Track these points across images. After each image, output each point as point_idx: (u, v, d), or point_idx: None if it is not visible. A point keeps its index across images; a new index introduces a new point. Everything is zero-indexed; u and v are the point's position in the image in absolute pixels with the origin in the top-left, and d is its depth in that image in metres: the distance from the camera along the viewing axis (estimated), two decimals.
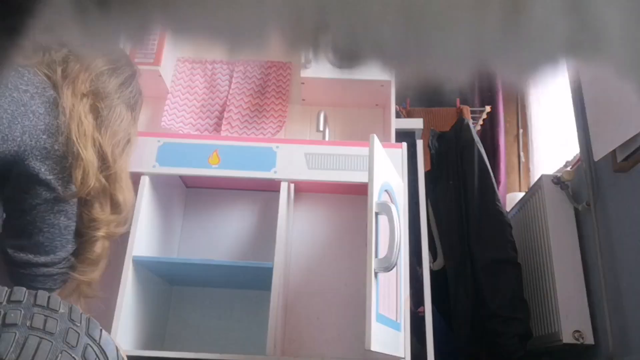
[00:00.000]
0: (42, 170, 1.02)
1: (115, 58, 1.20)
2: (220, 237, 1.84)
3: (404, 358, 1.36)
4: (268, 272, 1.50)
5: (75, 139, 1.04)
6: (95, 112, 1.11)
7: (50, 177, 1.02)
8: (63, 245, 1.11)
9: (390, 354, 1.24)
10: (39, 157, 1.00)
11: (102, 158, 1.12)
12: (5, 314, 0.76)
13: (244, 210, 1.88)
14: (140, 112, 1.28)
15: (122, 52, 1.22)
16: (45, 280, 1.11)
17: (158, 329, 1.70)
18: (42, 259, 1.09)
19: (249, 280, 1.68)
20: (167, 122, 1.95)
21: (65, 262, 1.13)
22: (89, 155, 1.08)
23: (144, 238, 1.58)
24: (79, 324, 0.82)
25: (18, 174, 1.01)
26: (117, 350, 0.87)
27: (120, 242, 1.56)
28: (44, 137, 1.01)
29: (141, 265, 1.56)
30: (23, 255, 1.08)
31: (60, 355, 0.76)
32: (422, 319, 1.56)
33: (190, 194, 1.91)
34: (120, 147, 1.19)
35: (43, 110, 1.01)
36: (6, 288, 0.80)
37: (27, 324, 0.77)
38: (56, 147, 1.02)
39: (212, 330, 1.74)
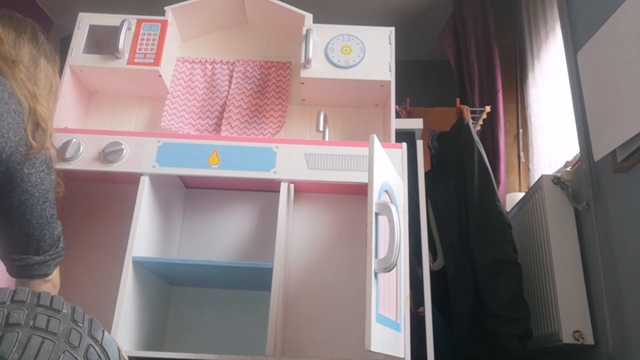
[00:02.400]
0: (26, 165, 1.06)
1: (9, 19, 1.20)
2: (220, 238, 1.84)
3: (404, 358, 1.36)
4: (268, 272, 1.50)
5: (30, 106, 1.08)
6: (28, 74, 1.14)
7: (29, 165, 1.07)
8: (51, 232, 1.15)
9: (390, 354, 1.24)
10: (22, 153, 1.04)
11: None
12: (8, 314, 0.76)
13: (244, 211, 1.88)
14: (57, 63, 1.28)
15: (6, 14, 1.23)
16: (40, 268, 1.16)
17: (158, 330, 1.70)
18: (32, 249, 1.13)
19: (249, 280, 1.68)
20: (167, 122, 1.95)
21: (55, 247, 1.18)
22: (45, 112, 1.12)
23: (144, 239, 1.58)
24: (81, 325, 0.82)
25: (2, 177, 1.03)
26: (119, 351, 0.87)
27: (120, 243, 1.57)
28: (23, 131, 1.04)
29: (141, 266, 1.56)
30: (14, 248, 1.13)
31: (62, 355, 0.76)
32: (422, 319, 1.57)
33: (190, 194, 1.91)
34: (51, 101, 1.22)
35: (13, 105, 1.03)
36: (9, 288, 0.81)
37: (30, 324, 0.77)
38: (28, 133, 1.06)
39: (212, 331, 1.74)
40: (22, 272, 1.15)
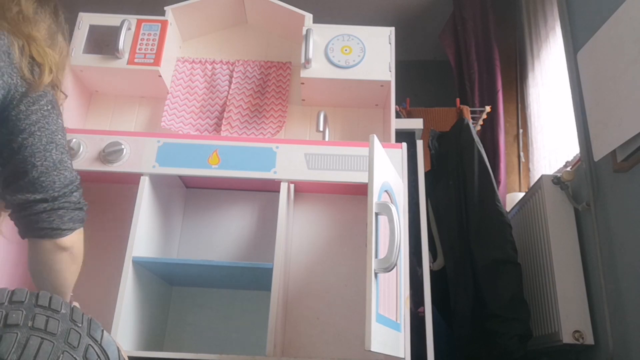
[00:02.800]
0: (24, 103, 0.98)
1: None
2: (220, 238, 1.84)
3: (404, 358, 1.36)
4: (268, 272, 1.50)
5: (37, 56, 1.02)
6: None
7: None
8: (61, 179, 1.03)
9: (390, 354, 1.24)
10: (20, 92, 0.97)
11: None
12: (7, 315, 0.76)
13: (244, 211, 1.88)
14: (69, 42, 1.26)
15: None
16: (49, 218, 1.02)
17: (158, 329, 1.70)
18: (40, 195, 1.01)
19: (249, 280, 1.68)
20: (167, 122, 1.95)
21: (68, 193, 1.05)
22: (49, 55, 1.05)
23: (144, 239, 1.58)
24: (80, 325, 0.82)
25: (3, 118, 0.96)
26: (119, 350, 0.87)
27: (120, 243, 1.56)
28: (17, 74, 0.97)
29: (141, 266, 1.56)
30: (20, 196, 1.01)
31: (61, 355, 0.76)
32: (422, 319, 1.56)
33: (190, 194, 1.91)
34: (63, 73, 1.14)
35: (4, 47, 0.97)
36: (8, 289, 0.80)
37: (29, 325, 0.77)
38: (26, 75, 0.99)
39: (212, 331, 1.74)
40: (32, 226, 1.02)
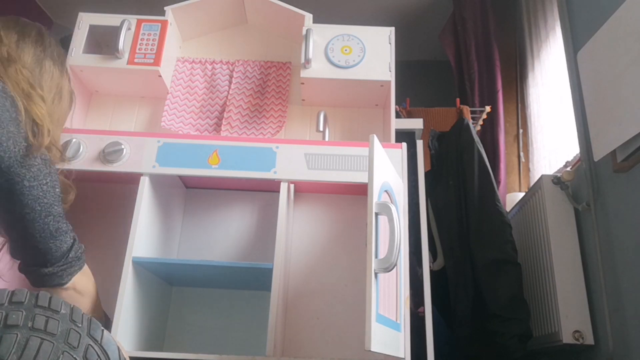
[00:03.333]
0: (27, 178, 1.04)
1: (14, 23, 1.20)
2: (220, 238, 1.84)
3: (404, 358, 1.36)
4: (268, 272, 1.50)
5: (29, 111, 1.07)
6: (28, 75, 1.13)
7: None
8: (58, 246, 1.13)
9: (390, 354, 1.24)
10: (20, 161, 1.02)
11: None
12: (7, 315, 0.76)
13: (244, 211, 1.88)
14: (66, 64, 1.28)
15: (12, 18, 1.23)
16: (51, 278, 1.13)
17: (158, 330, 1.70)
18: (40, 260, 1.11)
19: (249, 280, 1.68)
20: (167, 122, 1.95)
21: (64, 259, 1.15)
22: (43, 115, 1.10)
23: (144, 239, 1.58)
24: (80, 325, 0.82)
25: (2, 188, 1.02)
26: (119, 350, 0.87)
27: (120, 243, 1.56)
28: (22, 140, 1.02)
29: (141, 266, 1.56)
30: (22, 260, 1.12)
31: (61, 356, 0.76)
32: (422, 319, 1.56)
33: (190, 194, 1.91)
34: (56, 102, 1.22)
35: (14, 112, 1.02)
36: (8, 290, 0.80)
37: (29, 325, 0.77)
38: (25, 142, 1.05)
39: (212, 331, 1.74)
40: (37, 281, 1.14)
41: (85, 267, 1.22)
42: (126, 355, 0.93)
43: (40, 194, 1.07)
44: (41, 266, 1.11)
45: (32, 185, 1.05)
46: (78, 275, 1.19)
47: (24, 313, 0.78)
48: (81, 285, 1.21)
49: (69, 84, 1.32)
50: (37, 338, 0.75)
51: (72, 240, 1.17)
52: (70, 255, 1.16)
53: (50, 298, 0.82)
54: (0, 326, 0.75)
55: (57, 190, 1.13)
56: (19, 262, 1.14)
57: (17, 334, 0.75)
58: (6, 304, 0.78)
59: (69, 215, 1.83)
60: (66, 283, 1.16)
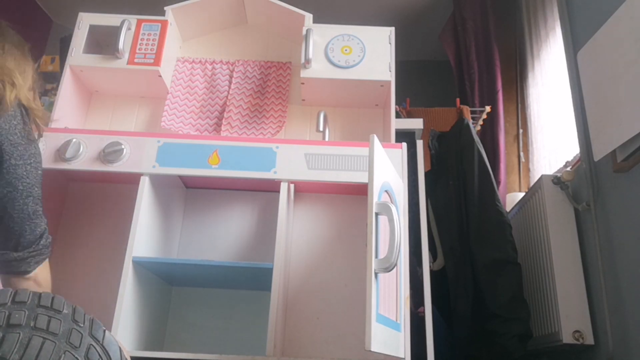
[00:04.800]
0: (14, 156, 1.07)
1: None
2: (220, 238, 1.84)
3: (404, 358, 1.36)
4: (268, 272, 1.50)
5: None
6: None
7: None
8: (32, 229, 1.15)
9: (391, 354, 1.24)
10: (9, 139, 1.06)
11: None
12: (9, 315, 0.77)
13: (244, 211, 1.88)
14: (26, 49, 1.28)
15: None
16: (18, 264, 1.15)
17: (158, 329, 1.70)
18: (10, 243, 1.13)
19: (249, 280, 1.68)
20: (167, 122, 1.95)
21: (36, 245, 1.17)
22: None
23: (144, 239, 1.58)
24: (82, 325, 0.82)
25: None
26: (121, 350, 0.87)
27: (120, 243, 1.56)
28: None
29: (141, 266, 1.56)
30: None
31: (63, 355, 0.76)
32: (422, 319, 1.57)
33: (190, 194, 1.91)
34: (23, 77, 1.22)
35: None
36: (10, 289, 0.81)
37: (31, 325, 0.77)
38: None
39: (212, 331, 1.74)
40: (2, 268, 1.15)
41: (47, 262, 1.24)
42: (128, 356, 0.93)
43: (24, 173, 1.10)
44: (12, 250, 1.13)
45: (18, 164, 1.08)
46: (40, 269, 1.21)
47: (27, 313, 0.78)
48: (42, 277, 1.23)
49: (32, 64, 1.29)
50: (39, 337, 0.76)
51: (45, 227, 1.19)
52: (42, 242, 1.18)
53: (52, 298, 0.82)
54: (3, 325, 0.75)
55: (39, 172, 1.15)
56: None
57: (19, 333, 0.75)
58: (9, 304, 0.79)
59: (70, 214, 1.84)
60: (31, 272, 1.18)
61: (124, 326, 1.45)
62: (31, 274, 1.19)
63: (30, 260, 1.17)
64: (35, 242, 1.17)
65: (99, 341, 0.82)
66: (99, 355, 0.81)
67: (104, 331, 0.85)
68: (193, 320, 1.76)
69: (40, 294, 0.82)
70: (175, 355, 1.42)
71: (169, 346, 1.73)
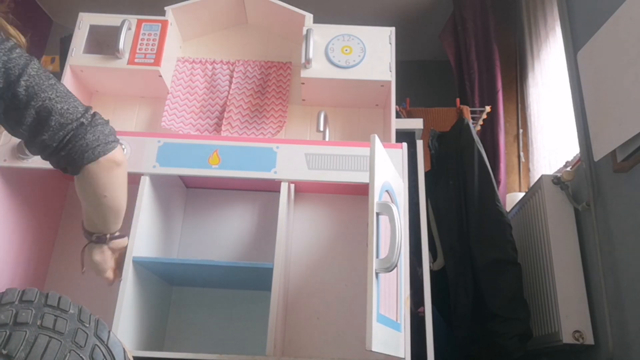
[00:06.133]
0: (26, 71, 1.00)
1: None
2: (220, 237, 1.84)
3: (404, 358, 1.36)
4: (268, 272, 1.50)
5: None
6: None
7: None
8: (78, 103, 1.06)
9: (391, 354, 1.24)
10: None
11: None
12: (16, 313, 0.78)
13: (244, 210, 1.88)
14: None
15: None
16: (95, 136, 1.04)
17: (158, 329, 1.70)
18: (76, 122, 1.03)
19: (249, 280, 1.68)
20: (167, 122, 1.95)
21: (93, 114, 1.07)
22: None
23: (144, 238, 1.58)
24: (87, 325, 0.83)
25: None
26: (125, 352, 0.87)
27: None
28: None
29: (141, 266, 1.56)
30: (60, 133, 1.02)
31: (68, 354, 0.77)
32: (422, 319, 1.57)
33: (190, 194, 1.91)
34: None
35: None
36: (18, 289, 0.82)
37: (38, 323, 0.78)
38: None
39: (212, 331, 1.74)
40: (82, 154, 1.03)
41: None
42: (131, 357, 0.93)
43: (26, 61, 1.02)
44: (80, 126, 1.02)
45: (13, 57, 1.00)
46: (122, 152, 1.11)
47: (34, 311, 0.79)
48: (126, 166, 1.14)
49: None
50: (45, 336, 0.77)
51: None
52: (94, 112, 1.08)
53: (59, 298, 0.83)
54: (10, 323, 0.76)
55: (40, 66, 1.06)
56: (49, 157, 1.06)
57: (26, 332, 0.76)
58: (16, 302, 0.80)
59: (70, 214, 1.83)
60: (115, 146, 1.07)
61: (124, 326, 1.45)
62: (118, 154, 1.07)
63: (103, 129, 1.05)
64: (89, 110, 1.07)
65: (103, 341, 0.83)
66: (104, 355, 0.82)
67: (109, 332, 0.86)
68: (193, 320, 1.76)
69: (47, 293, 0.83)
70: (175, 355, 1.42)
71: (169, 346, 1.73)
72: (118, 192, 1.15)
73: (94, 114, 1.08)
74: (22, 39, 1.13)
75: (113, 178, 1.11)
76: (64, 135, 1.03)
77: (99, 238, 1.28)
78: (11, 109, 1.01)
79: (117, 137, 1.11)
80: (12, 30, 1.13)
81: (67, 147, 1.03)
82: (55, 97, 1.02)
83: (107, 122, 1.10)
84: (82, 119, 1.04)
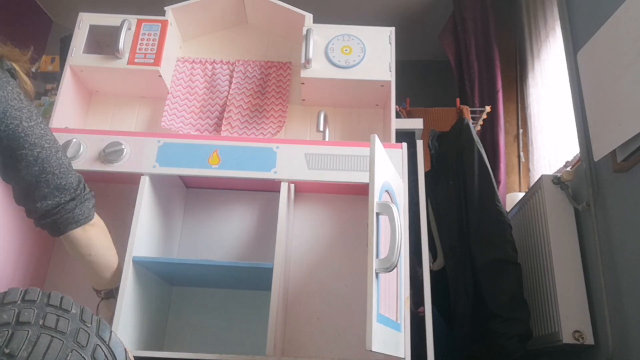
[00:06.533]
0: (24, 119, 1.10)
1: None
2: (220, 237, 1.84)
3: (404, 358, 1.36)
4: (268, 272, 1.50)
5: None
6: None
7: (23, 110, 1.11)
8: (75, 178, 1.21)
9: (391, 354, 1.24)
10: (11, 105, 1.08)
11: None
12: (19, 313, 0.78)
13: (244, 210, 1.88)
14: None
15: None
16: (80, 211, 1.20)
17: (158, 329, 1.70)
18: (68, 196, 1.17)
19: (249, 280, 1.68)
20: (167, 122, 1.95)
21: (84, 189, 1.23)
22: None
23: (144, 238, 1.58)
24: (89, 325, 0.83)
25: (6, 139, 1.08)
26: (126, 352, 0.88)
27: (120, 243, 1.56)
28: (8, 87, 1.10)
29: (141, 265, 1.56)
30: (50, 202, 1.16)
31: (70, 354, 0.77)
32: (422, 319, 1.57)
33: (190, 194, 1.91)
34: None
35: None
36: (20, 289, 0.82)
37: (40, 323, 0.79)
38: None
39: (212, 330, 1.74)
40: (65, 223, 1.19)
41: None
42: (132, 358, 0.93)
43: (42, 132, 1.12)
44: (70, 201, 1.17)
45: (31, 125, 1.10)
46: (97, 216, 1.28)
47: (36, 311, 0.80)
48: (102, 223, 1.30)
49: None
50: (47, 336, 0.77)
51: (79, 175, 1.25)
52: (86, 186, 1.24)
53: (61, 298, 0.83)
54: (13, 323, 0.77)
55: (48, 128, 1.18)
56: (34, 216, 1.18)
57: (28, 331, 0.77)
58: (19, 302, 0.80)
59: None
60: (93, 217, 1.24)
61: (124, 326, 1.45)
62: (95, 219, 1.24)
63: (88, 204, 1.22)
64: (82, 185, 1.22)
65: (105, 341, 0.83)
66: (105, 355, 0.82)
67: (111, 332, 0.86)
68: (193, 320, 1.76)
69: (50, 293, 0.83)
70: (175, 355, 1.42)
71: (169, 346, 1.73)
72: (101, 250, 1.32)
73: (84, 186, 1.24)
74: (32, 91, 1.26)
75: (93, 239, 1.27)
76: (54, 207, 1.17)
77: (106, 293, 1.43)
78: (10, 167, 1.13)
79: (94, 206, 1.29)
80: (29, 84, 1.23)
81: (55, 216, 1.18)
82: (60, 169, 1.17)
83: (93, 195, 1.28)
84: (74, 194, 1.20)
